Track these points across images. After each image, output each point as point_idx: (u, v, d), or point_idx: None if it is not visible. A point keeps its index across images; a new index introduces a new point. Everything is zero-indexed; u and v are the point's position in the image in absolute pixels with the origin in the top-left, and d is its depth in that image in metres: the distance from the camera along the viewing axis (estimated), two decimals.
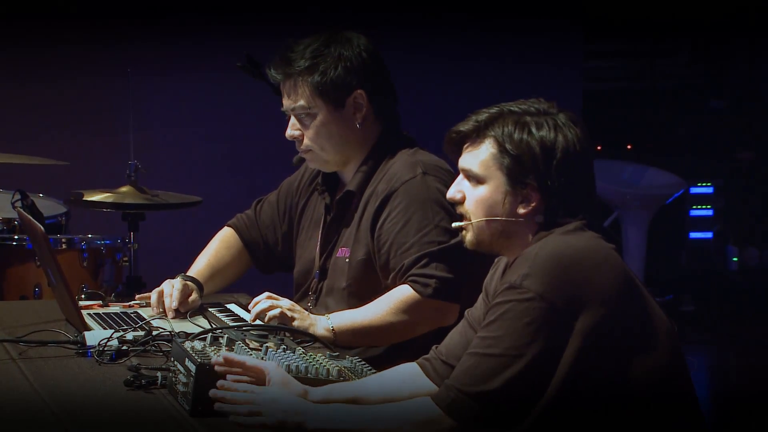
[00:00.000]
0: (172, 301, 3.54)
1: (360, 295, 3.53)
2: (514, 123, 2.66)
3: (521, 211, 2.67)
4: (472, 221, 2.71)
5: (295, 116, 3.57)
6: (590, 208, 2.69)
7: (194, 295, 3.63)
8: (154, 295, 3.59)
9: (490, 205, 2.69)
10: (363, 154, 3.60)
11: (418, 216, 3.47)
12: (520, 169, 2.65)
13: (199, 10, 6.64)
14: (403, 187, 3.50)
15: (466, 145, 2.73)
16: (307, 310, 3.51)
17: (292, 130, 3.59)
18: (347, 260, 3.58)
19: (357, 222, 3.58)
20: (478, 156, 2.69)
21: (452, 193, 2.75)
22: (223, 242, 3.90)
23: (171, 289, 3.58)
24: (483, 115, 2.70)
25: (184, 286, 3.61)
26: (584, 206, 2.68)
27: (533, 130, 2.65)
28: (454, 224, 2.78)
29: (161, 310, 3.56)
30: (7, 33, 6.40)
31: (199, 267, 3.80)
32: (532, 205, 2.66)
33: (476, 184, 2.70)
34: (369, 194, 3.57)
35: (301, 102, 3.53)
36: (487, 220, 2.69)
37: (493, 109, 2.71)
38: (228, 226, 3.94)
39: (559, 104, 2.72)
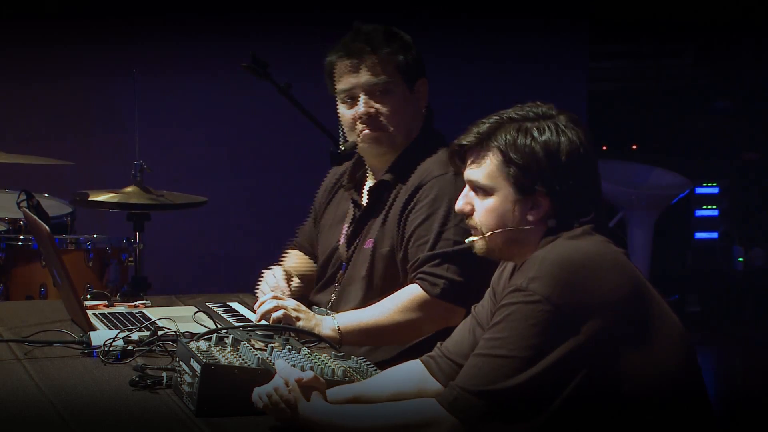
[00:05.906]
0: (277, 281, 3.62)
1: (377, 287, 3.55)
2: (516, 130, 2.64)
3: (531, 217, 2.65)
4: (485, 234, 2.69)
5: (370, 93, 3.58)
6: (599, 207, 2.67)
7: (295, 281, 3.69)
8: (263, 284, 3.66)
9: (500, 215, 2.66)
10: (407, 143, 3.63)
11: (442, 211, 3.48)
12: (526, 176, 2.62)
13: (204, 11, 6.65)
14: (433, 181, 3.53)
15: (470, 157, 2.70)
16: (330, 301, 3.52)
17: (367, 107, 3.59)
18: (371, 250, 3.59)
19: (385, 214, 3.61)
20: (483, 168, 2.67)
21: (461, 205, 2.73)
22: (295, 255, 3.94)
23: (272, 276, 3.66)
24: (484, 126, 2.67)
25: (284, 271, 3.68)
26: (594, 206, 2.66)
27: (536, 134, 2.62)
28: (467, 240, 2.74)
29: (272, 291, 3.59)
30: (12, 33, 6.41)
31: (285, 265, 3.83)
32: (542, 210, 2.64)
33: (484, 195, 2.68)
34: (400, 188, 3.60)
35: (383, 77, 3.57)
36: (499, 232, 2.67)
37: (493, 119, 2.68)
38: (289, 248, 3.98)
39: (564, 104, 2.69)
